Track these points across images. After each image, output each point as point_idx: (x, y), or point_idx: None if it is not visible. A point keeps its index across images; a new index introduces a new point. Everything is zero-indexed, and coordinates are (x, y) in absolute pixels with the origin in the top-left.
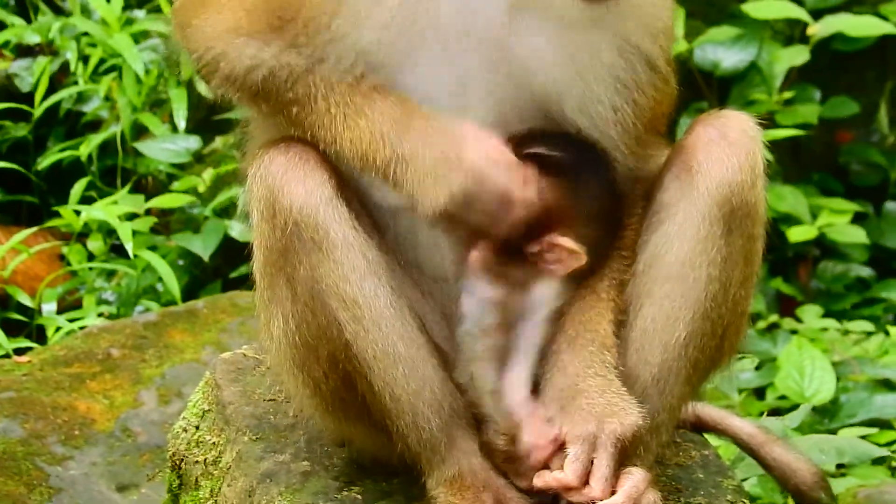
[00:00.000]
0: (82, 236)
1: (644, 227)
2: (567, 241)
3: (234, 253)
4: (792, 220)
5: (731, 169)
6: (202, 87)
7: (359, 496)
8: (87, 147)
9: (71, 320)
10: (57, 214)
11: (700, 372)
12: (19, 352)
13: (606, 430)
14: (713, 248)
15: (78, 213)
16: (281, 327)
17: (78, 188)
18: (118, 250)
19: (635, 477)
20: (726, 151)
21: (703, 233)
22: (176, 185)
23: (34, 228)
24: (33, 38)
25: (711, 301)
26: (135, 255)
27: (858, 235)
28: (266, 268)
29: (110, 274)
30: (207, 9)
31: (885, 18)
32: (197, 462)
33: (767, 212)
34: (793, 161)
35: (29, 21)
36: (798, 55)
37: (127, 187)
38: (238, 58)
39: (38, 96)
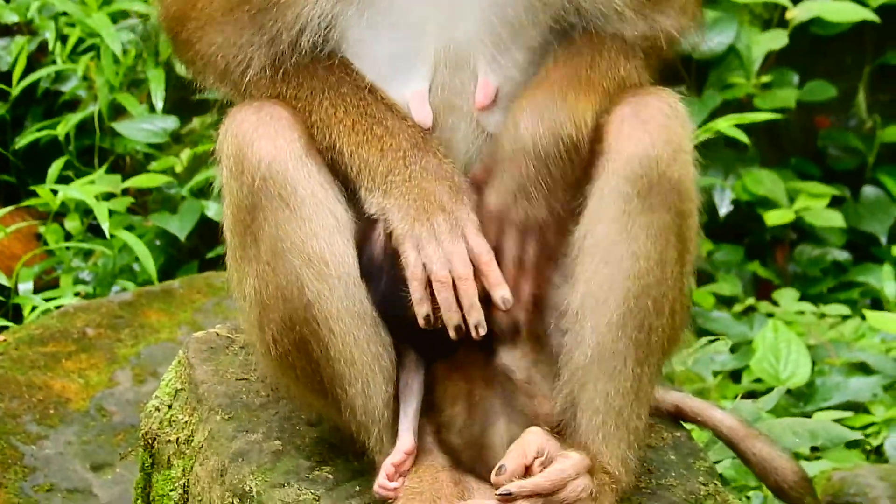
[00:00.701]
0: (59, 216)
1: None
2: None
3: (210, 233)
4: (769, 203)
5: (642, 145)
6: (180, 68)
7: (330, 476)
8: (65, 126)
9: (47, 300)
10: (34, 194)
11: (653, 353)
12: None
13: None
14: (633, 224)
15: (55, 192)
16: (251, 285)
17: (55, 168)
18: (95, 230)
19: (567, 461)
20: (637, 128)
21: (618, 210)
22: (153, 165)
23: (11, 207)
24: (11, 18)
25: (643, 279)
26: (111, 235)
27: (835, 219)
28: (235, 225)
29: (87, 253)
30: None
31: (863, 4)
32: (169, 441)
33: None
34: (770, 145)
35: (7, 0)
36: (776, 39)
37: (104, 167)
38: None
39: (15, 75)
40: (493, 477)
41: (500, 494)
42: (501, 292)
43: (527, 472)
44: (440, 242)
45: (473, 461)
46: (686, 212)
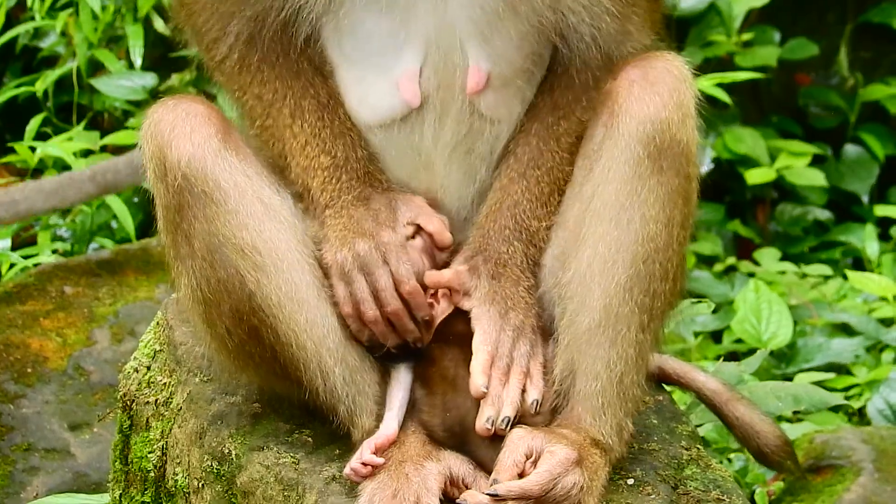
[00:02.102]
0: (38, 172)
1: (577, 175)
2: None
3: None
4: (750, 162)
5: (654, 107)
6: (159, 24)
7: (309, 439)
8: (43, 83)
9: (25, 257)
10: (12, 150)
11: (655, 317)
12: None
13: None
14: (643, 187)
15: (33, 149)
16: (188, 284)
17: (33, 124)
18: None
19: (554, 459)
20: (647, 91)
21: (630, 173)
22: (131, 121)
23: None
24: None
25: (651, 242)
26: None
27: (817, 178)
28: (166, 225)
29: (65, 211)
30: None
31: None
32: (148, 403)
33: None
34: (752, 103)
35: None
36: None
37: (82, 124)
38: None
39: None
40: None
41: (488, 494)
42: (421, 314)
43: (521, 474)
44: (364, 272)
45: (454, 446)
46: (692, 175)
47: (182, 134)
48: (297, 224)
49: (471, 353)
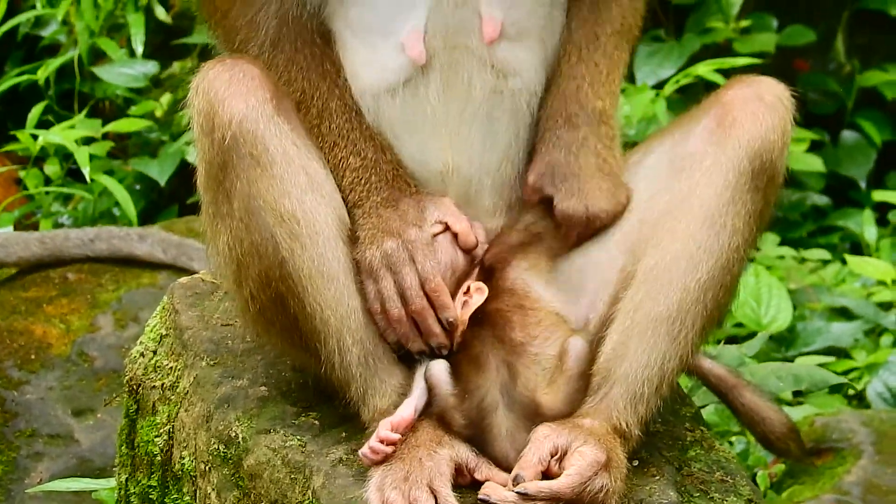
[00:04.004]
0: (39, 160)
1: (666, 169)
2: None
3: (190, 178)
4: None
5: (766, 128)
6: (160, 12)
7: (316, 421)
8: (45, 71)
9: None
10: (14, 138)
11: (712, 325)
12: None
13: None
14: (739, 200)
15: (35, 137)
16: (225, 242)
17: (35, 112)
18: (75, 174)
19: (584, 461)
20: (763, 111)
21: (733, 181)
22: (133, 109)
23: None
24: None
25: (734, 253)
26: (92, 180)
27: (815, 164)
28: (208, 182)
29: (67, 198)
30: None
31: None
32: (154, 387)
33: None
34: None
35: None
36: None
37: (84, 111)
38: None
39: None
40: (510, 487)
41: (517, 493)
42: (446, 315)
43: (546, 472)
44: (391, 271)
45: (470, 436)
46: (772, 203)
47: (237, 93)
48: (339, 201)
49: (499, 332)
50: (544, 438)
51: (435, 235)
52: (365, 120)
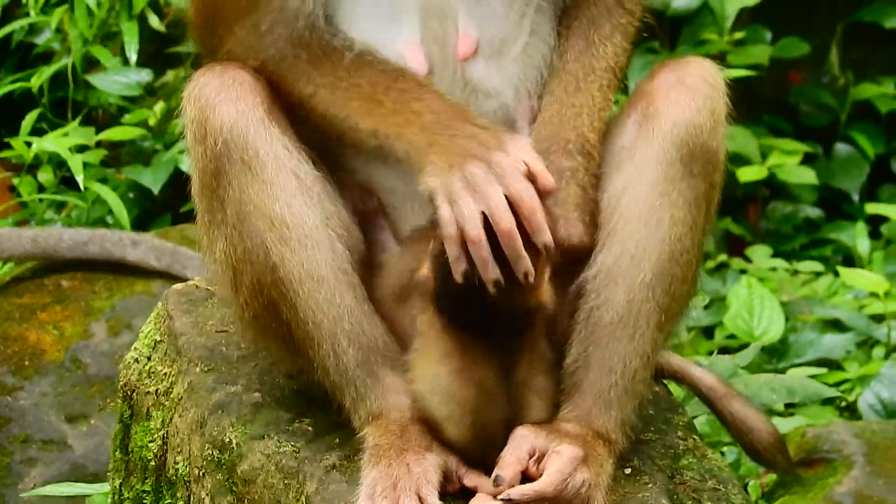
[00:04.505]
0: (33, 168)
1: (606, 169)
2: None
3: (184, 186)
4: (742, 160)
5: (689, 112)
6: (154, 21)
7: (310, 428)
8: (39, 79)
9: None
10: (8, 146)
11: (671, 318)
12: None
13: None
14: (673, 189)
15: (29, 144)
16: (222, 249)
17: (29, 120)
18: (68, 182)
19: (562, 459)
20: (684, 96)
21: (662, 174)
22: (127, 117)
23: None
24: None
25: (677, 243)
26: (85, 188)
27: (808, 176)
28: (202, 190)
29: (61, 205)
30: None
31: None
32: (148, 392)
33: (726, 159)
34: (743, 101)
35: None
36: None
37: (78, 119)
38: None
39: None
40: (490, 488)
41: (501, 500)
42: (542, 238)
43: (524, 473)
44: (474, 192)
45: (467, 444)
46: (716, 182)
47: (227, 99)
48: (328, 203)
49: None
50: (522, 439)
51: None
52: (413, 74)
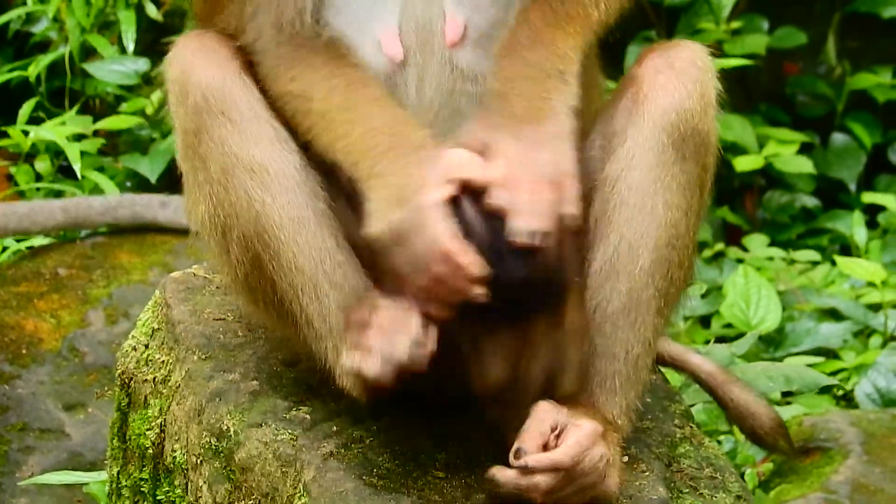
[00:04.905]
0: (30, 157)
1: (598, 154)
2: None
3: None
4: (738, 149)
5: (679, 96)
6: (151, 10)
7: (307, 416)
8: (36, 68)
9: (18, 240)
10: (5, 135)
11: (670, 303)
12: None
13: None
14: (667, 174)
15: (26, 133)
16: (205, 211)
17: (26, 109)
18: (66, 171)
19: (581, 432)
20: (673, 80)
21: (654, 160)
22: (124, 106)
23: None
24: None
25: (673, 228)
26: (82, 176)
27: (805, 166)
28: (186, 151)
29: (58, 194)
30: None
31: None
32: (146, 381)
33: (718, 142)
34: (740, 91)
35: None
36: None
37: (75, 108)
38: None
39: None
40: (512, 461)
41: (517, 467)
42: (467, 272)
43: (545, 448)
44: (401, 244)
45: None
46: (709, 165)
47: (204, 56)
48: (307, 152)
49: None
50: (545, 413)
51: (450, 196)
52: (374, 88)
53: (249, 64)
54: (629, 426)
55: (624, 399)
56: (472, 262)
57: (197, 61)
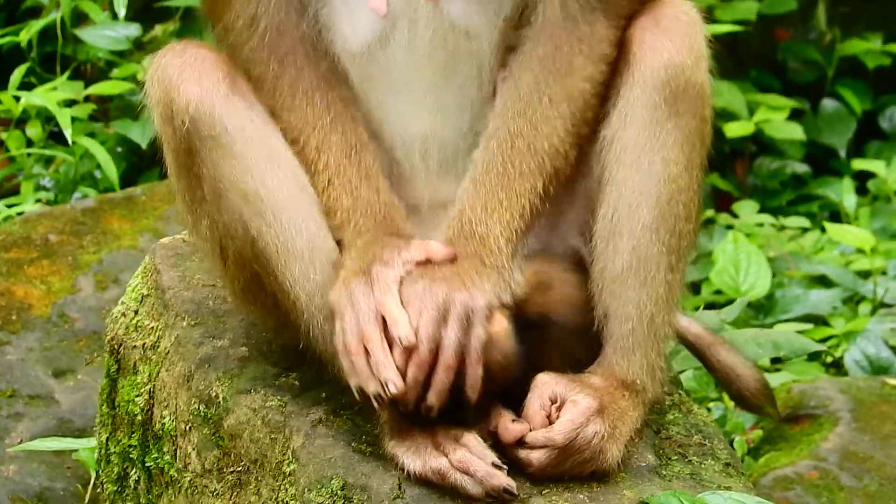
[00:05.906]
0: (21, 122)
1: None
2: None
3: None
4: (728, 115)
5: (667, 53)
6: None
7: (296, 382)
8: (27, 33)
9: (9, 206)
10: None
11: (682, 258)
12: None
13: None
14: (661, 131)
15: (17, 98)
16: (206, 226)
17: (17, 74)
18: (57, 137)
19: (576, 409)
20: (659, 37)
21: (647, 118)
22: (115, 72)
23: None
24: None
25: (673, 183)
26: (73, 142)
27: (795, 132)
28: (179, 170)
29: (48, 160)
30: None
31: None
32: (135, 347)
33: (712, 93)
34: (730, 57)
35: None
36: None
37: (66, 74)
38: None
39: None
40: (509, 425)
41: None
42: (397, 332)
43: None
44: (355, 307)
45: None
46: (706, 117)
47: (190, 78)
48: (299, 172)
49: None
50: (544, 385)
51: (410, 272)
52: (367, 157)
53: (236, 72)
54: (657, 386)
55: (644, 359)
56: (397, 320)
57: (182, 80)
